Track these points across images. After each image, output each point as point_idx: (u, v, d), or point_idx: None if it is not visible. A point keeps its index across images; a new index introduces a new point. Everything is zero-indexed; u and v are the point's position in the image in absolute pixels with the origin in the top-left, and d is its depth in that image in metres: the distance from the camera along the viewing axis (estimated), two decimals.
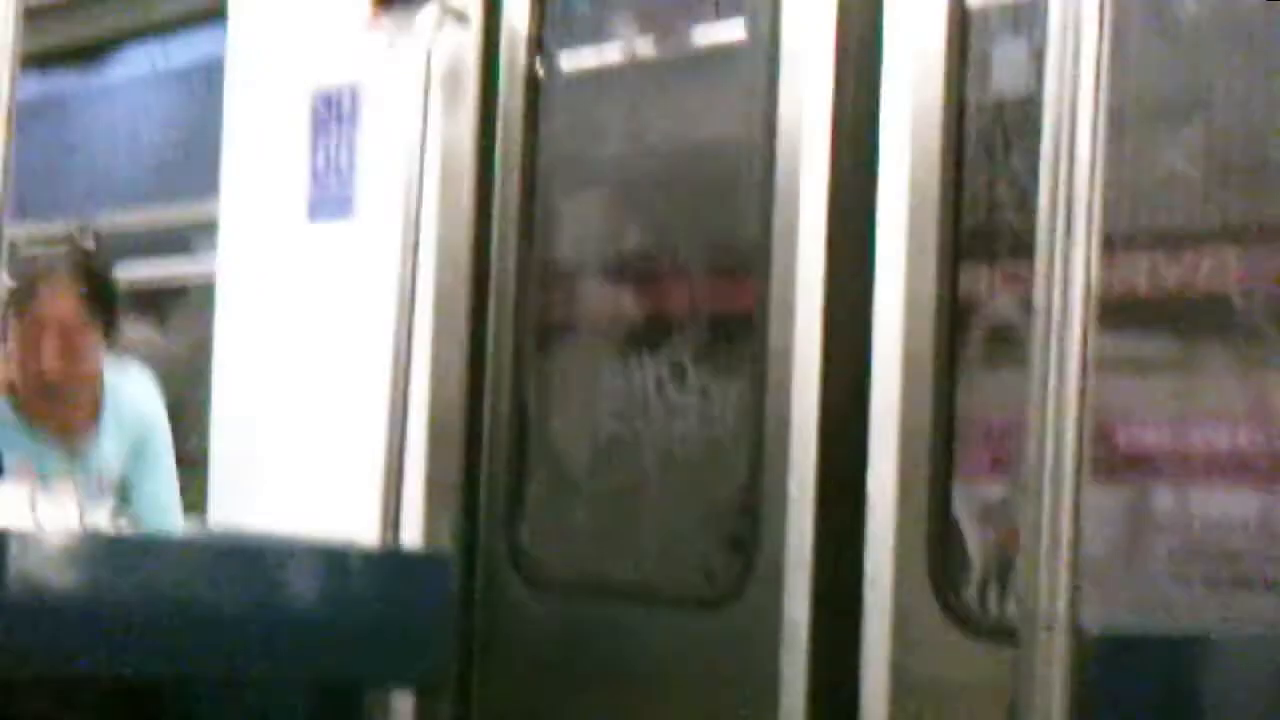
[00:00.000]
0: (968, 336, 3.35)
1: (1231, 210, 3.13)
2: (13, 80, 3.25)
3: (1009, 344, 3.25)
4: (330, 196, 4.38)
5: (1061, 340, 2.47)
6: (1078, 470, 2.33)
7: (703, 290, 3.88)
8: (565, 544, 4.00)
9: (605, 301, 4.05)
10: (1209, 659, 2.55)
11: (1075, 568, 2.30)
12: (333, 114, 4.37)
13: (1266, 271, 3.04)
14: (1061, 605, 2.29)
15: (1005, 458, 3.25)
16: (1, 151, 3.22)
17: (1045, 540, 2.30)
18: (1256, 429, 3.03)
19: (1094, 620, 2.40)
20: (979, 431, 3.33)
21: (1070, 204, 2.48)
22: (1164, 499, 3.15)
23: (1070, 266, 2.49)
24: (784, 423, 3.49)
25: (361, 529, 4.00)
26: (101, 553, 3.62)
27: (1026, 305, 2.61)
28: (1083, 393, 2.46)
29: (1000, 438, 3.28)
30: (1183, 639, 2.59)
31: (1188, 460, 3.11)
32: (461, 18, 4.11)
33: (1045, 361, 2.48)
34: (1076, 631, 2.29)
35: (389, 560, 3.91)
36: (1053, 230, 2.50)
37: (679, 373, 3.80)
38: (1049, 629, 2.28)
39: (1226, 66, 3.11)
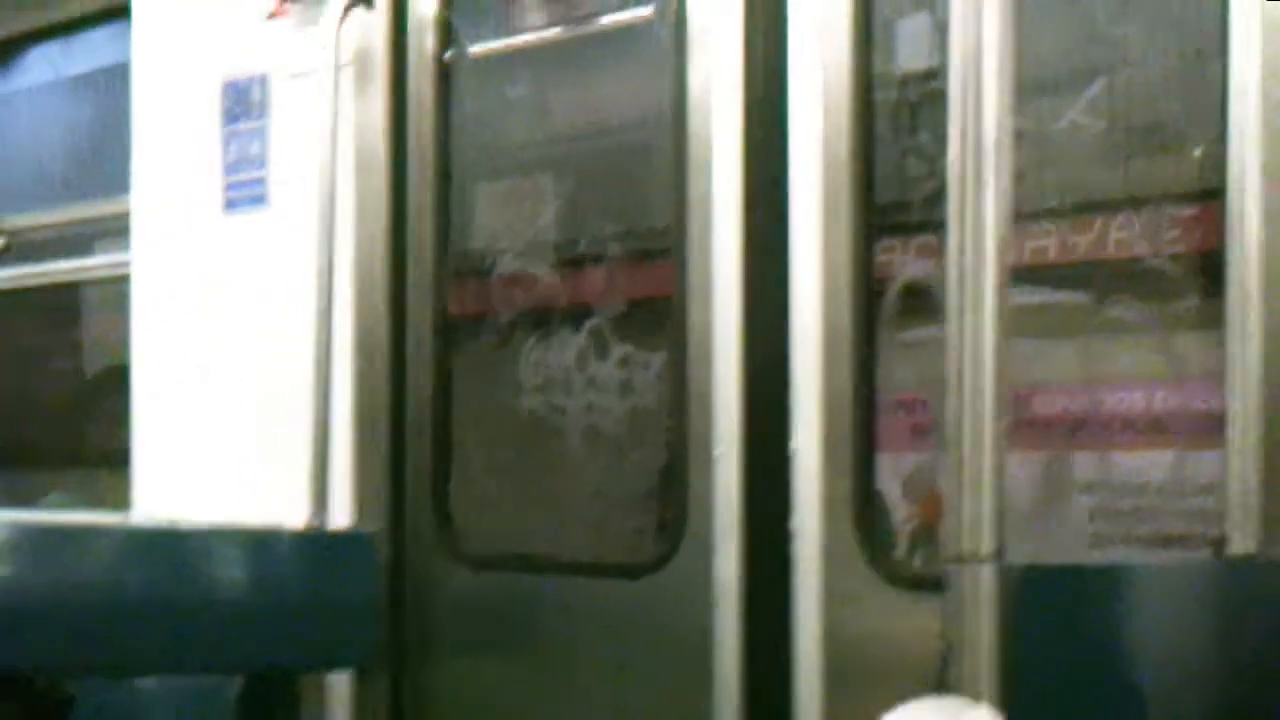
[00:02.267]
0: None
1: (1141, 172, 3.18)
2: None
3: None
4: (244, 187, 4.38)
5: (975, 306, 2.52)
6: (998, 406, 2.39)
7: (622, 264, 3.91)
8: (495, 519, 4.03)
9: (526, 279, 4.07)
10: (1129, 588, 2.61)
11: (998, 502, 2.35)
12: (243, 104, 4.37)
13: (1176, 232, 3.10)
14: (986, 539, 2.33)
15: (922, 428, 3.31)
16: None
17: (968, 475, 2.35)
18: (1171, 389, 3.10)
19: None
20: (898, 404, 3.39)
21: (979, 172, 2.53)
22: (1082, 461, 3.21)
23: (981, 234, 2.54)
24: (707, 392, 3.53)
25: (289, 518, 4.01)
26: (22, 543, 3.59)
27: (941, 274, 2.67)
28: (999, 344, 2.53)
29: (916, 409, 3.34)
30: (1103, 569, 2.65)
31: (1103, 422, 3.17)
32: (369, 3, 4.12)
33: (961, 323, 2.54)
34: (1002, 565, 2.34)
35: (317, 541, 3.91)
36: (962, 199, 2.54)
37: (600, 346, 3.84)
38: (975, 563, 2.33)
39: (1131, 29, 3.17)
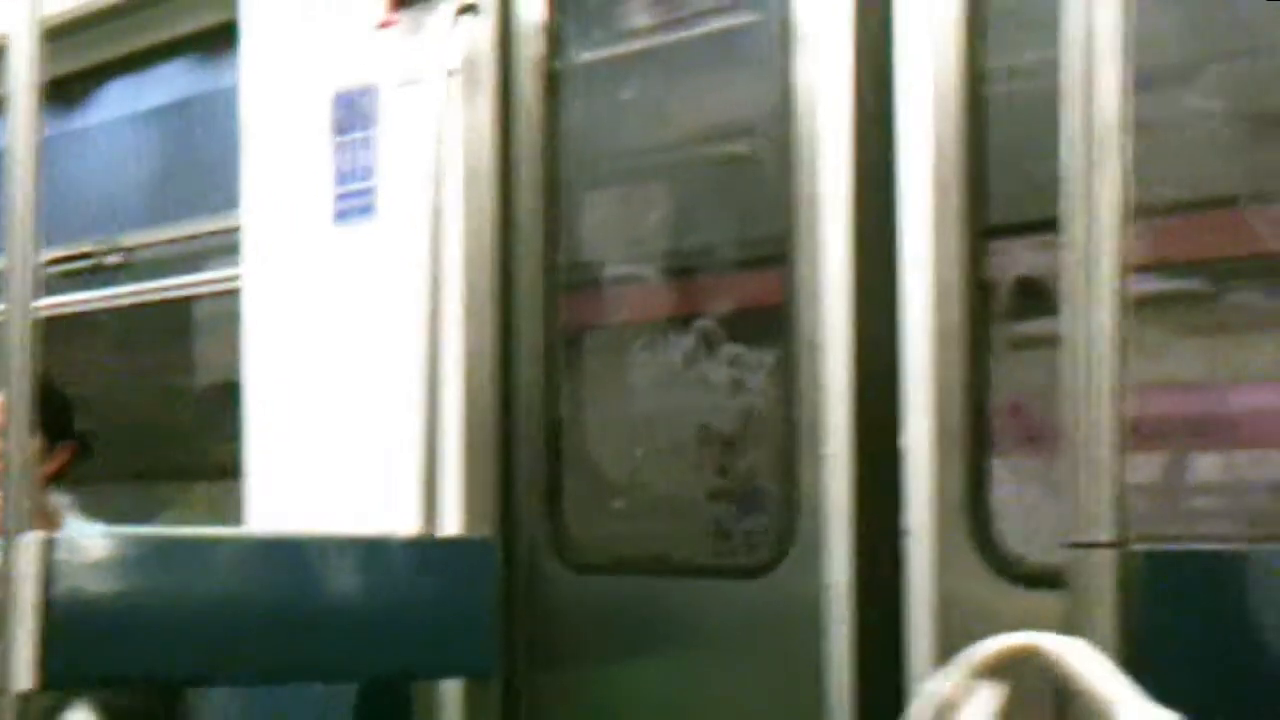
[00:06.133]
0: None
1: (1266, 161, 3.11)
2: (37, 109, 3.31)
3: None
4: (353, 198, 4.40)
5: (1093, 297, 2.49)
6: (1115, 394, 2.35)
7: (731, 269, 3.90)
8: (604, 525, 4.02)
9: (633, 287, 4.06)
10: (1254, 572, 2.55)
11: (1119, 489, 2.31)
12: (353, 115, 4.40)
13: None
14: (1108, 523, 2.29)
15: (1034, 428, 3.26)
16: (31, 182, 3.28)
17: (1088, 463, 2.31)
18: None
19: None
20: (1009, 404, 3.34)
21: (1094, 163, 2.50)
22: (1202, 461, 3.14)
23: (1098, 225, 2.51)
24: (817, 391, 3.50)
25: (400, 528, 4.02)
26: (140, 555, 3.63)
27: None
28: (1117, 333, 2.49)
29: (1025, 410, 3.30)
30: (1227, 553, 2.59)
31: (1224, 421, 3.11)
32: (476, 10, 4.13)
33: (1077, 313, 2.51)
34: (1124, 550, 2.29)
35: (431, 548, 3.92)
36: (1078, 191, 2.51)
37: (709, 347, 3.82)
38: (1095, 549, 2.29)
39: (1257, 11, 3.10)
